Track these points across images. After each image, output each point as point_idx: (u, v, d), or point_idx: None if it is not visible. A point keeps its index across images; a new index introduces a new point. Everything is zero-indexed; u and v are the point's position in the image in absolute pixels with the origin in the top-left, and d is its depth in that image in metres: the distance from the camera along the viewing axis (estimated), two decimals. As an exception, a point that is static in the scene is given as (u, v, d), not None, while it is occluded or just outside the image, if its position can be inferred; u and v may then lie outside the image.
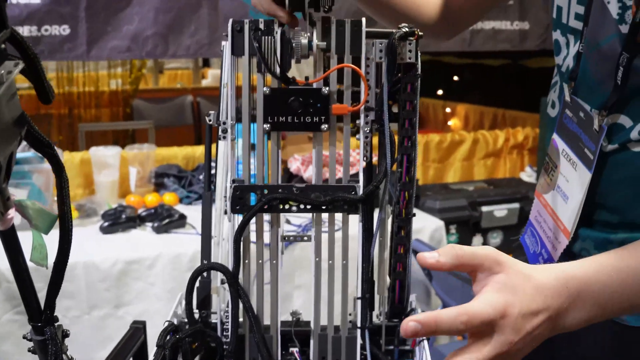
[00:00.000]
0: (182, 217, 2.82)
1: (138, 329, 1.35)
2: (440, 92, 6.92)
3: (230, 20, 1.09)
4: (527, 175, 4.04)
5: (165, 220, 2.68)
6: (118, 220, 2.70)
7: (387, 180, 1.11)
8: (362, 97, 1.10)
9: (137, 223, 2.74)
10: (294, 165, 3.29)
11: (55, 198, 2.20)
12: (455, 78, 7.07)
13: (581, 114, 1.04)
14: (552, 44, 1.18)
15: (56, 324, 0.74)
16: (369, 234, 1.13)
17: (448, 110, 6.23)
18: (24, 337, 0.74)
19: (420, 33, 1.10)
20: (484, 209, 3.28)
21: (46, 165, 2.69)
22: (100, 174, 3.05)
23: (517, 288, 0.84)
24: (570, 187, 1.06)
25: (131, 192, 3.10)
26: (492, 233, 3.38)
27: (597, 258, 0.92)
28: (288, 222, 2.80)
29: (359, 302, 1.13)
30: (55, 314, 0.73)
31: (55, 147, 2.13)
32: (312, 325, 1.17)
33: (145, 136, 5.48)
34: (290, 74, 1.11)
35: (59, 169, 0.66)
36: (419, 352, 1.14)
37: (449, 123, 6.14)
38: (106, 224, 2.67)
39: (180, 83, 8.96)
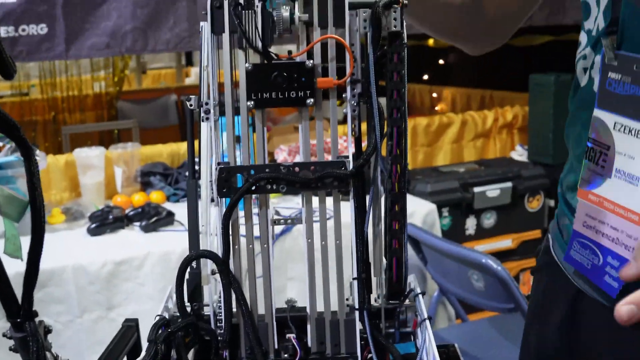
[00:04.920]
0: (170, 215, 2.77)
1: (130, 327, 1.32)
2: (425, 76, 6.88)
3: (209, -2, 1.05)
4: (518, 154, 4.00)
5: (153, 219, 2.65)
6: (105, 221, 2.66)
7: (378, 154, 1.07)
8: (348, 69, 1.06)
9: (124, 223, 2.70)
10: (281, 156, 3.26)
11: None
12: (441, 62, 7.02)
13: (635, 68, 0.88)
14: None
15: (37, 319, 0.70)
16: (361, 211, 1.09)
17: (435, 95, 6.19)
18: (4, 335, 0.70)
19: (405, 1, 1.05)
20: (476, 189, 3.24)
21: (29, 169, 2.62)
22: (85, 175, 3.00)
23: None
24: (637, 163, 0.90)
25: (118, 193, 3.05)
26: (486, 214, 3.34)
27: None
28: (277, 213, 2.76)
29: (355, 284, 1.09)
30: (38, 315, 0.70)
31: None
32: (308, 310, 1.13)
33: (130, 136, 5.44)
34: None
35: (27, 152, 0.62)
36: (421, 333, 1.10)
37: (436, 108, 6.11)
38: (93, 225, 2.63)
39: (163, 82, 8.90)
